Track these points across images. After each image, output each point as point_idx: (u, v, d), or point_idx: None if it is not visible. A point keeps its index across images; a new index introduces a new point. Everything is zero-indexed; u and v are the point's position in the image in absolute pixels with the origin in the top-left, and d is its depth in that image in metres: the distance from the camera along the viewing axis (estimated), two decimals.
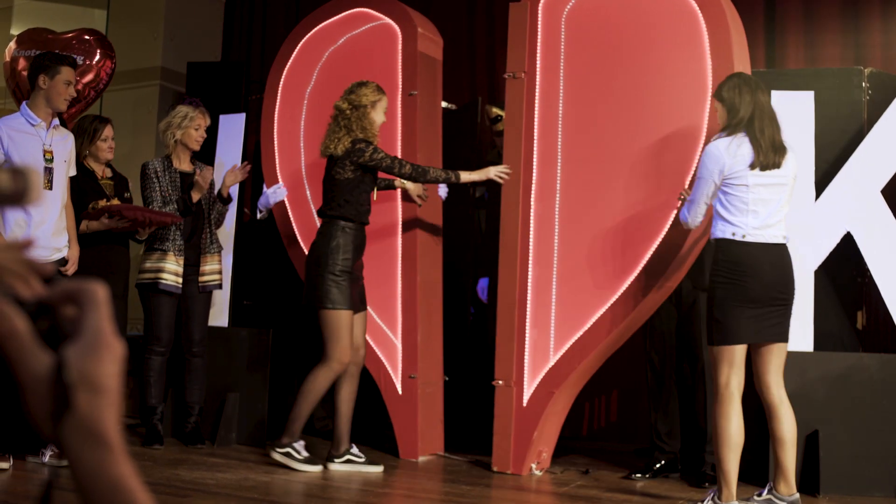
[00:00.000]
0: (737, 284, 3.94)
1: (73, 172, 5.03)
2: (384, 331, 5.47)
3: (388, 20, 5.72)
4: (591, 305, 4.82)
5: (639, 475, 4.94)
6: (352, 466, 4.85)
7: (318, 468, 4.80)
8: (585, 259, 4.88)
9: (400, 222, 5.50)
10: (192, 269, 5.51)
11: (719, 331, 3.96)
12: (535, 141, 5.05)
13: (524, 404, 4.92)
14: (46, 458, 4.62)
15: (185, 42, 8.16)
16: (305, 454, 4.83)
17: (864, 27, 6.23)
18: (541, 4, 5.13)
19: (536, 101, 5.08)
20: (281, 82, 6.03)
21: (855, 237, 4.71)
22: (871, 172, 4.71)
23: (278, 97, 6.03)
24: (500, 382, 4.98)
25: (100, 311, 0.76)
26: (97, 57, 6.75)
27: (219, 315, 5.89)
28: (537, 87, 5.08)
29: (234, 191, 5.75)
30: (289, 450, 4.82)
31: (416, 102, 5.53)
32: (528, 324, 4.95)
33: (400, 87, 5.58)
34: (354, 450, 4.91)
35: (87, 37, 6.91)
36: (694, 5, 4.75)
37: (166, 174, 5.47)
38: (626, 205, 4.81)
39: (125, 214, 5.06)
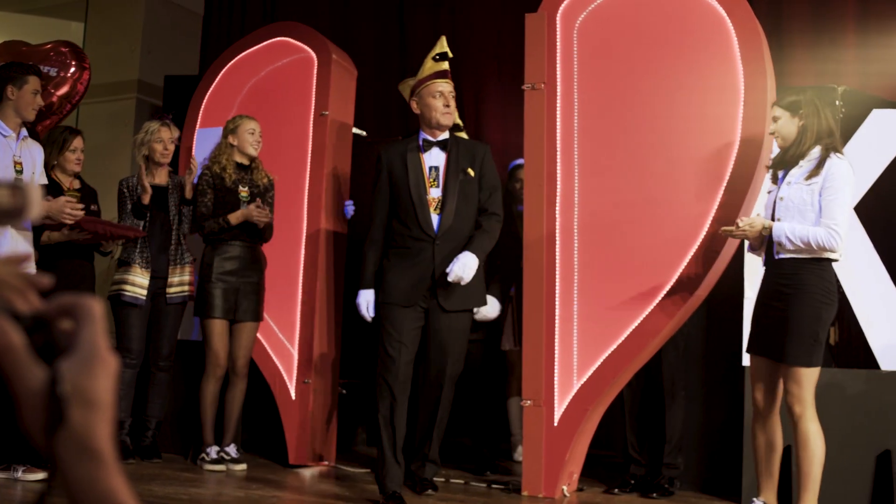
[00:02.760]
0: (834, 306, 4.03)
1: (43, 181, 5.01)
2: (281, 338, 5.67)
3: (307, 50, 5.99)
4: (622, 320, 4.69)
5: (617, 490, 4.96)
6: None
7: (222, 467, 5.25)
8: (610, 273, 4.76)
9: (304, 235, 5.71)
10: (161, 281, 5.50)
11: (819, 353, 4.01)
12: (559, 154, 4.96)
13: (555, 424, 4.75)
14: (20, 474, 4.59)
15: (162, 55, 8.15)
16: (214, 456, 5.32)
17: (839, 45, 6.30)
18: (559, 14, 5.08)
19: (558, 112, 4.99)
20: (202, 106, 6.29)
21: None
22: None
23: (198, 119, 6.27)
24: (529, 402, 4.79)
25: (95, 325, 0.77)
26: (72, 69, 6.71)
27: (193, 329, 5.88)
28: (558, 97, 5.02)
29: None
30: (202, 455, 5.35)
31: (327, 123, 5.76)
32: (556, 341, 4.80)
33: (312, 108, 5.85)
34: (210, 450, 5.36)
35: (63, 49, 6.86)
36: (721, 11, 4.69)
37: (138, 189, 5.46)
38: (654, 217, 4.72)
39: (84, 227, 5.02)
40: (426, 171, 4.64)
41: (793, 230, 3.99)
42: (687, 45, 4.81)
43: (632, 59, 4.92)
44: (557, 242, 4.89)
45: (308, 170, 5.79)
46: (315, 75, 5.91)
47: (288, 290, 5.67)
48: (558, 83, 5.02)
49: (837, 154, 4.08)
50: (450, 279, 4.47)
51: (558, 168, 4.95)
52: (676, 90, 4.79)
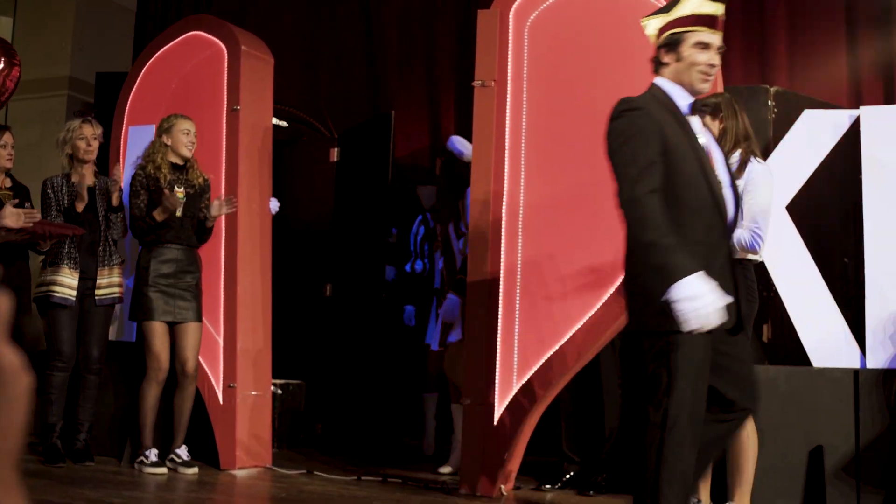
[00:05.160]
0: (757, 304, 4.09)
1: None
2: (207, 342, 5.57)
3: (218, 43, 5.91)
4: (567, 319, 4.67)
5: (548, 486, 4.98)
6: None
7: (163, 470, 5.14)
8: (554, 272, 4.75)
9: (223, 236, 5.64)
10: (90, 282, 5.37)
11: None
12: (507, 151, 4.95)
13: (494, 423, 4.73)
14: None
15: (94, 52, 8.02)
16: (154, 459, 5.18)
17: (771, 46, 6.38)
18: (511, 12, 5.06)
19: (508, 111, 4.98)
20: (128, 104, 6.19)
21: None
22: (776, 189, 4.82)
23: (125, 117, 6.18)
24: (469, 401, 4.79)
25: None
26: (1, 65, 6.57)
27: (125, 330, 5.78)
28: (508, 95, 5.00)
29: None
30: (141, 458, 5.21)
31: (239, 118, 5.70)
32: (499, 341, 4.77)
33: (225, 103, 5.77)
34: (149, 453, 5.21)
35: None
36: None
37: (63, 188, 5.35)
38: (601, 216, 4.60)
39: (23, 225, 4.92)
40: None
41: None
42: (637, 46, 4.80)
43: (582, 59, 4.91)
44: (502, 244, 4.88)
45: (223, 168, 5.70)
46: (226, 69, 5.82)
47: (210, 293, 5.53)
48: (509, 81, 5.02)
49: (757, 158, 4.14)
50: None
51: (506, 164, 4.95)
52: (625, 90, 4.77)
